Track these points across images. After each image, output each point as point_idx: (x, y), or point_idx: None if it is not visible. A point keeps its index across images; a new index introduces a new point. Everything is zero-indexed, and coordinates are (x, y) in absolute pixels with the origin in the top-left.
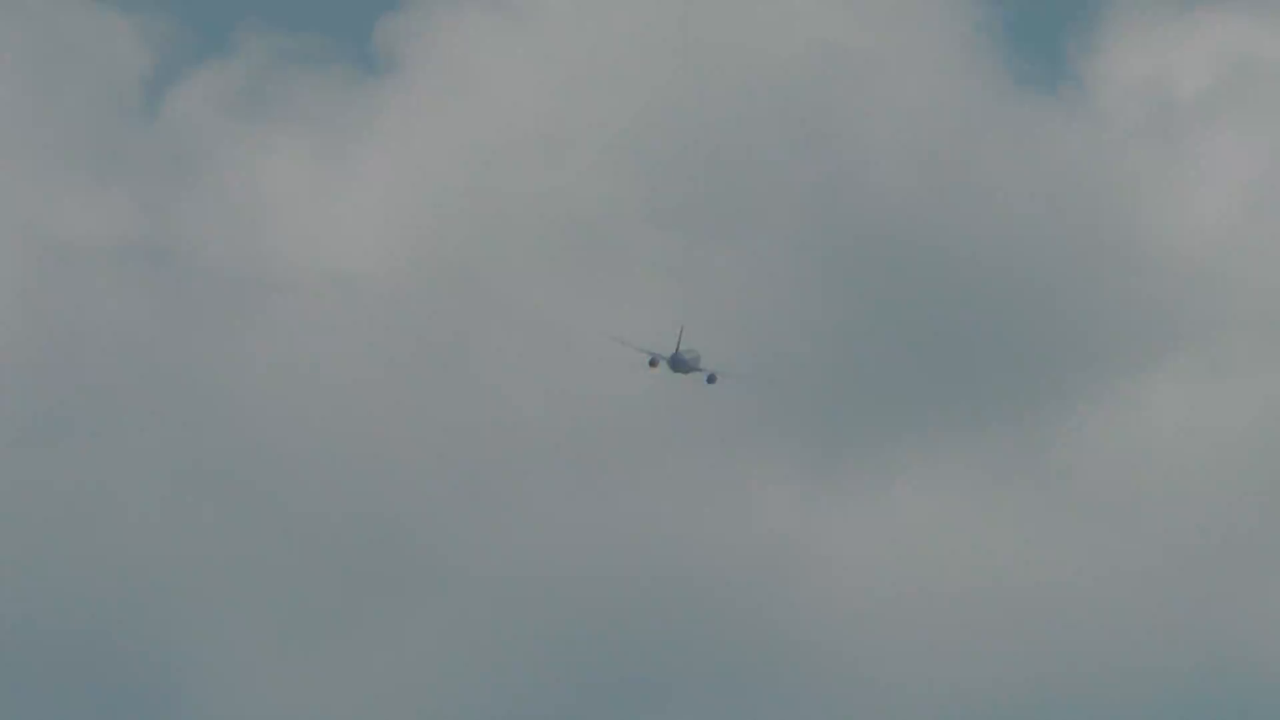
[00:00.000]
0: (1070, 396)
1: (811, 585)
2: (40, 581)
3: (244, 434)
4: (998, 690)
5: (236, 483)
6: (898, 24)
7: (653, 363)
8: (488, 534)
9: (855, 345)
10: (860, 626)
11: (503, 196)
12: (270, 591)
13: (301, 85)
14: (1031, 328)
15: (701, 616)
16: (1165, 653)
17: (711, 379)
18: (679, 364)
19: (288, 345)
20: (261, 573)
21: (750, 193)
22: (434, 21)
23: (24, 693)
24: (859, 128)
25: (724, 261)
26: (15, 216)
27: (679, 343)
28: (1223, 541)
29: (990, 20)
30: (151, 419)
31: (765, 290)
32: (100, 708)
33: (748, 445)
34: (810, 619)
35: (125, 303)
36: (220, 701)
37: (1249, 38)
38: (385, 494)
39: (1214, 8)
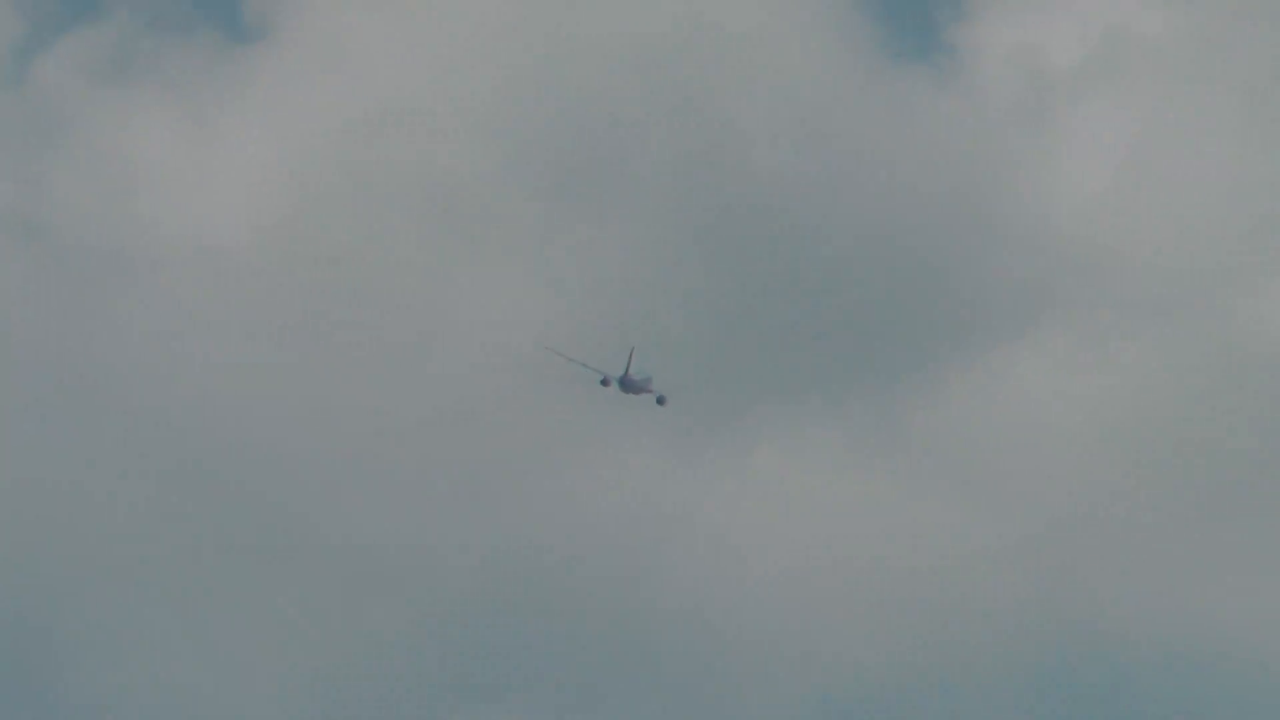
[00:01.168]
0: (939, 368)
1: (673, 554)
2: None
3: (111, 406)
4: (860, 660)
5: (105, 455)
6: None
7: (604, 382)
8: (357, 511)
9: (724, 315)
10: (722, 595)
11: (373, 167)
12: (141, 567)
13: (171, 52)
14: (902, 299)
15: (567, 588)
16: (1028, 625)
17: (661, 400)
18: (628, 385)
19: (156, 317)
20: (132, 548)
21: (625, 168)
22: None
23: None
24: (733, 102)
25: (598, 234)
26: None
27: (629, 364)
28: (1088, 516)
29: None
30: (16, 389)
31: (638, 263)
32: None
33: (611, 414)
34: (672, 588)
35: None
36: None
37: (1122, 9)
38: (253, 471)
39: None
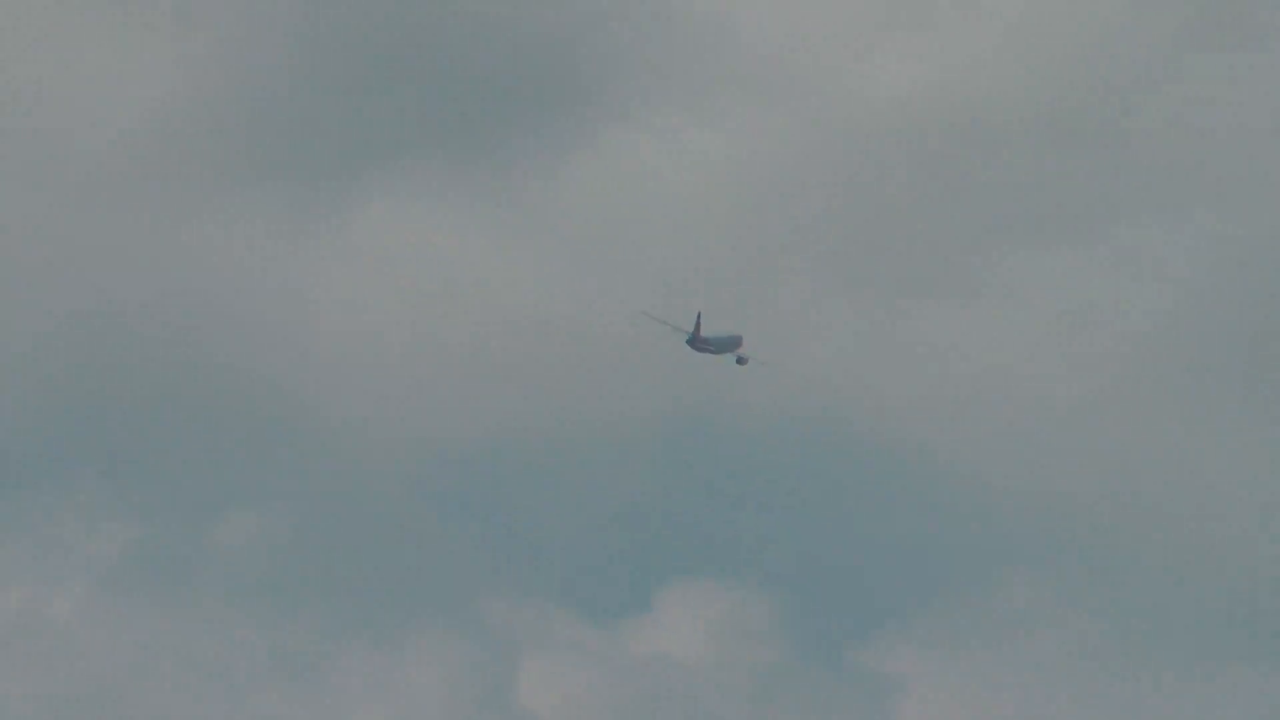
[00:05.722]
0: (556, 141)
1: (281, 320)
2: None
3: None
4: (470, 429)
5: None
6: None
7: (689, 342)
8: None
9: (337, 84)
10: (323, 362)
11: None
12: None
13: None
14: (520, 71)
15: (172, 360)
16: (641, 392)
17: (741, 360)
18: (700, 345)
19: None
20: None
21: None
22: None
23: None
24: None
25: (214, 25)
26: None
27: (697, 325)
28: (707, 286)
29: None
30: None
31: (256, 35)
32: None
33: (220, 182)
34: (279, 356)
35: None
36: None
37: None
38: None
39: None
